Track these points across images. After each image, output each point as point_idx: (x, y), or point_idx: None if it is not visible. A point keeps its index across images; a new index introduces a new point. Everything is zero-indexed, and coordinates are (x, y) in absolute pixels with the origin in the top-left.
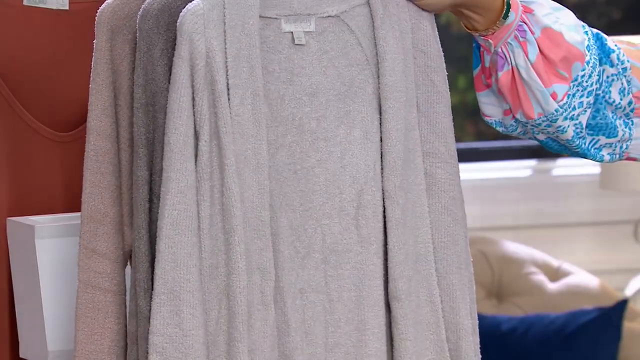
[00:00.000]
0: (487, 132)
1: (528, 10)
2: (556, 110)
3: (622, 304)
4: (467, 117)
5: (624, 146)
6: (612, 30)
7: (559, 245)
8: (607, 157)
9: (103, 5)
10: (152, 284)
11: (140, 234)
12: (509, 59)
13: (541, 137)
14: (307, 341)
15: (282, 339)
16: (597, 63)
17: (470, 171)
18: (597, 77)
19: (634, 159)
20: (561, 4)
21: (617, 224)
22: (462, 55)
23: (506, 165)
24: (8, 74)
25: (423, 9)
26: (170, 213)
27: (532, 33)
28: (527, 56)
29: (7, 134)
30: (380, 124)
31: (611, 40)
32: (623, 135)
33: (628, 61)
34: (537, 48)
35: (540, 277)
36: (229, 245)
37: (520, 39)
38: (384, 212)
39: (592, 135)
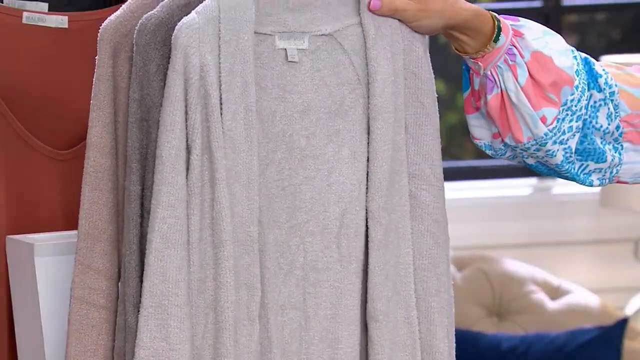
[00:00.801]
0: None
1: (518, 34)
2: (545, 134)
3: (623, 323)
4: (467, 135)
5: (614, 171)
6: (611, 50)
7: (559, 264)
8: (596, 182)
9: (106, 22)
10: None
11: (131, 249)
12: (498, 83)
13: (530, 161)
14: (284, 358)
15: (264, 355)
16: (586, 88)
17: (471, 189)
18: (586, 102)
19: (625, 182)
20: (561, 23)
21: (618, 243)
22: (459, 75)
23: (506, 183)
24: (7, 92)
25: (416, 31)
26: (160, 227)
27: (522, 57)
28: (516, 79)
29: (6, 151)
30: (368, 144)
31: (599, 65)
32: (612, 160)
33: (616, 85)
34: (527, 71)
35: (541, 296)
36: (217, 260)
37: (510, 63)
38: (367, 232)
39: (580, 160)
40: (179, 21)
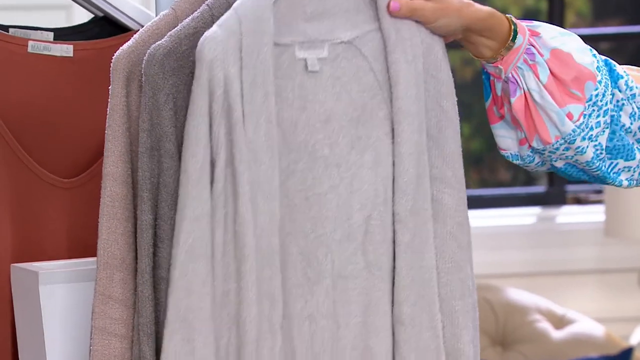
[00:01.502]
0: (491, 180)
1: (535, 34)
2: (573, 131)
3: (627, 353)
4: (471, 164)
5: None
6: None
7: (563, 293)
8: (625, 182)
9: (118, 52)
10: (156, 329)
11: (144, 278)
12: (520, 84)
13: (559, 164)
14: None
15: None
16: (609, 83)
17: (475, 218)
18: (610, 96)
19: None
20: None
21: (622, 272)
22: (465, 103)
23: (510, 212)
24: (12, 121)
25: (434, 33)
26: (185, 240)
27: (541, 55)
28: (538, 78)
29: (11, 180)
30: (392, 148)
31: (620, 67)
32: None
33: (637, 87)
34: (548, 69)
35: (545, 325)
36: (240, 274)
37: (530, 62)
38: (393, 237)
39: (610, 158)
40: (188, 50)
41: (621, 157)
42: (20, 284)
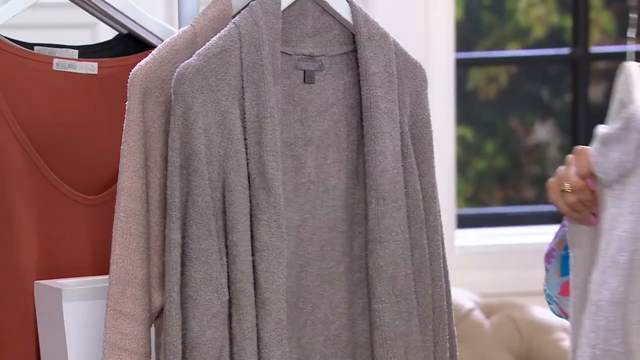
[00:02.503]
0: (515, 198)
1: None
2: None
3: None
4: (495, 182)
5: None
6: None
7: None
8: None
9: (135, 68)
10: (183, 347)
11: (172, 297)
12: None
13: None
14: None
15: None
16: None
17: (499, 236)
18: None
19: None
20: (589, 70)
21: None
22: (489, 122)
23: (534, 230)
24: (37, 138)
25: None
26: None
27: None
28: None
29: (36, 197)
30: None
31: None
32: None
33: None
34: None
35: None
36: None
37: None
38: None
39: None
40: (216, 69)
41: None
42: (43, 301)
